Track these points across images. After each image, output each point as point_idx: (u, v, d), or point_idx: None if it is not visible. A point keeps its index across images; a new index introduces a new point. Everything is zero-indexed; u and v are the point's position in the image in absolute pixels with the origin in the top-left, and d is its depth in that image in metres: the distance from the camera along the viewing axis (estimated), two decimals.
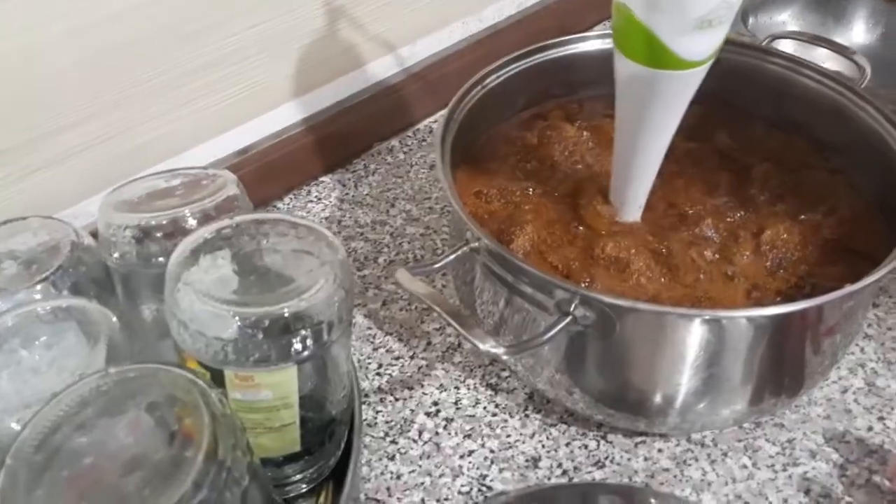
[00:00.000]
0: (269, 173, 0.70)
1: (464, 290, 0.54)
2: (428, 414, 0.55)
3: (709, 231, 0.53)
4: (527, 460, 0.52)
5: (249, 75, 0.67)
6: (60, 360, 0.42)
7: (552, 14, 0.87)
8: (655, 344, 0.45)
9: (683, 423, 0.49)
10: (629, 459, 0.52)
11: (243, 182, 0.52)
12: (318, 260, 0.42)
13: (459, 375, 0.57)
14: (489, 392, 0.56)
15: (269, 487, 0.40)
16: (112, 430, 0.34)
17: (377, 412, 0.55)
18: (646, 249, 0.50)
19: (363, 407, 0.54)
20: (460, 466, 0.52)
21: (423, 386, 0.57)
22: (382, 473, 0.52)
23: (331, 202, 0.72)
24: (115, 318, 0.44)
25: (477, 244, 0.47)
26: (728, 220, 0.53)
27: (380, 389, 0.57)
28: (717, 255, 0.51)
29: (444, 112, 0.55)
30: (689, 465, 0.51)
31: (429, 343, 0.60)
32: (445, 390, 0.56)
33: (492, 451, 0.52)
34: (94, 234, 0.50)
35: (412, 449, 0.53)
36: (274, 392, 0.41)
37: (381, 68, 0.77)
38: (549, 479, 0.51)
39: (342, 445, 0.48)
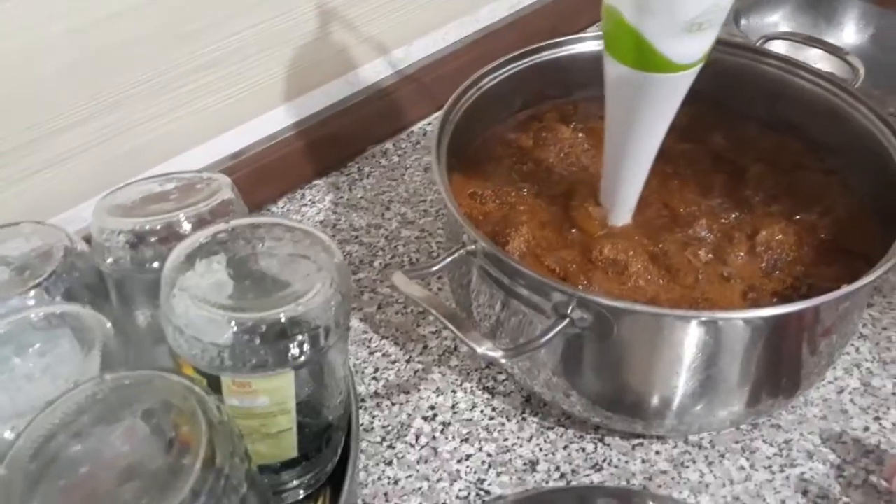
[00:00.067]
0: (263, 177, 0.70)
1: (460, 293, 0.53)
2: (425, 418, 0.55)
3: (704, 232, 0.53)
4: (524, 464, 0.52)
5: (244, 77, 0.67)
6: (54, 368, 0.42)
7: (546, 15, 0.87)
8: (653, 346, 0.45)
9: (681, 425, 0.49)
10: (627, 462, 0.52)
11: (238, 186, 0.52)
12: (314, 264, 0.42)
13: (456, 379, 0.57)
14: (486, 395, 0.56)
15: (268, 494, 0.39)
16: (108, 438, 0.34)
17: (374, 417, 0.55)
18: (644, 251, 0.50)
19: (360, 412, 0.54)
20: (458, 471, 0.52)
21: (419, 390, 0.56)
22: (380, 479, 0.51)
23: (325, 205, 0.72)
24: (109, 325, 0.44)
25: (473, 247, 0.47)
26: (723, 221, 0.54)
27: (376, 394, 0.56)
28: (711, 256, 0.51)
29: (439, 114, 0.54)
30: (687, 467, 0.51)
31: (425, 347, 0.59)
32: (442, 394, 0.56)
33: (489, 455, 0.52)
34: (88, 240, 0.50)
35: (409, 454, 0.53)
36: (271, 398, 0.41)
37: (375, 71, 0.76)
38: (546, 482, 0.51)
39: (339, 451, 0.47)
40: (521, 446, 0.53)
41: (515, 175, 0.58)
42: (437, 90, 0.73)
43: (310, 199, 0.72)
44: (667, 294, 0.49)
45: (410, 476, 0.51)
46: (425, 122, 0.80)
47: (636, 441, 0.53)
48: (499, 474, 0.51)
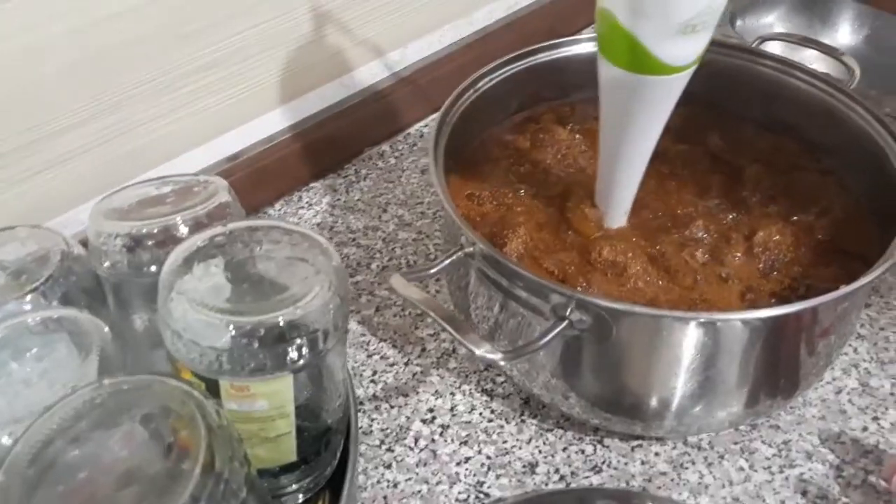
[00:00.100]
0: (259, 179, 0.69)
1: (458, 295, 0.53)
2: (424, 421, 0.54)
3: (701, 233, 0.53)
4: (524, 466, 0.52)
5: (245, 77, 0.67)
6: (52, 372, 0.41)
7: (542, 17, 0.87)
8: (651, 347, 0.45)
9: (680, 427, 0.49)
10: (626, 463, 0.52)
11: (234, 188, 0.52)
12: (312, 267, 0.42)
13: (454, 381, 0.57)
14: (485, 398, 0.56)
15: (267, 498, 0.39)
16: (106, 443, 0.33)
17: (372, 420, 0.55)
18: (643, 253, 0.50)
19: (358, 415, 0.54)
20: (457, 473, 0.51)
21: (418, 393, 0.56)
22: (379, 482, 0.51)
23: (322, 208, 0.72)
24: (106, 329, 0.43)
25: (471, 249, 0.47)
26: (720, 222, 0.54)
27: (375, 397, 0.56)
28: (708, 257, 0.51)
29: (436, 116, 0.54)
30: (686, 468, 0.51)
31: (423, 349, 0.59)
32: (441, 397, 0.56)
33: (488, 458, 0.52)
34: (84, 243, 0.50)
35: (408, 457, 0.52)
36: (270, 402, 0.40)
37: (371, 73, 0.76)
38: (546, 484, 0.51)
39: (338, 454, 0.47)
40: (520, 448, 0.53)
41: (512, 176, 0.58)
42: (434, 92, 0.73)
43: (307, 202, 0.72)
44: (666, 295, 0.49)
45: (410, 479, 0.51)
46: (422, 124, 0.80)
47: (635, 442, 0.53)
48: (498, 476, 0.51)
